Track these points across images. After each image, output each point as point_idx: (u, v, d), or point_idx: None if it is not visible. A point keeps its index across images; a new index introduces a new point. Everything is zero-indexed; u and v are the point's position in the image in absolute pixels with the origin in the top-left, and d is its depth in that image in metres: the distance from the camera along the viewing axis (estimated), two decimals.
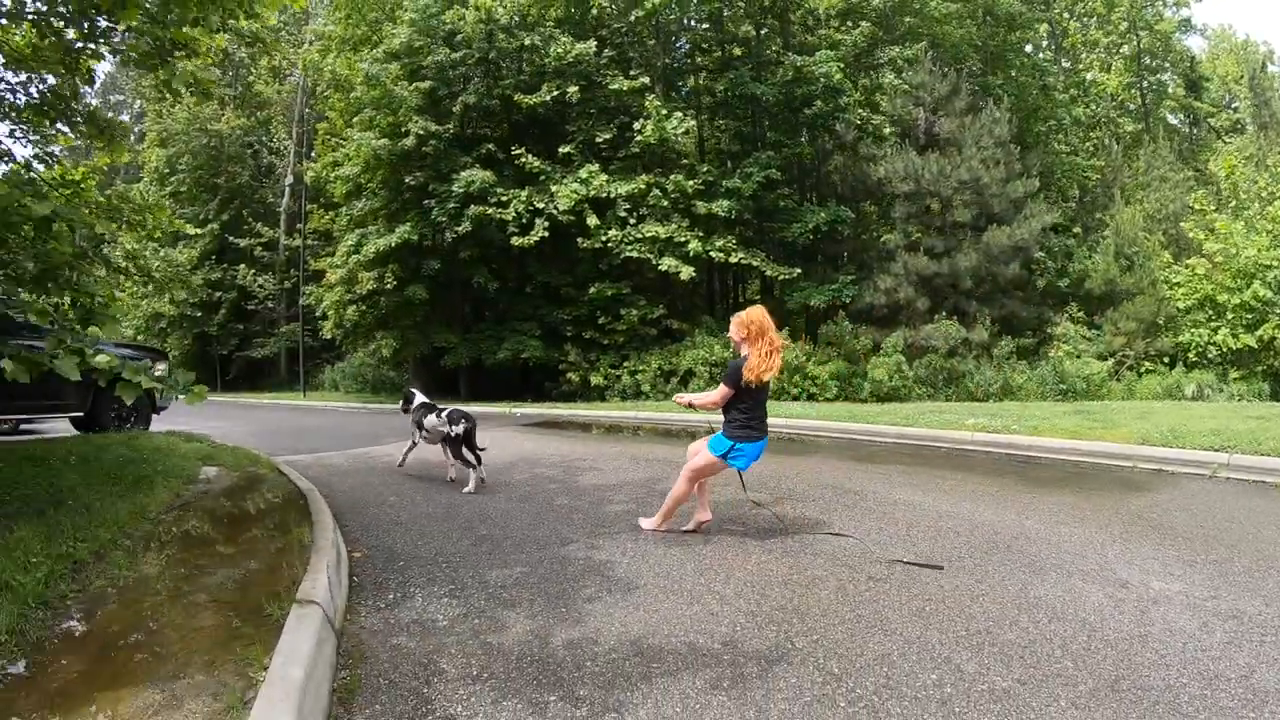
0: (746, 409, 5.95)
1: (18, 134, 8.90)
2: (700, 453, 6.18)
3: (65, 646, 3.60)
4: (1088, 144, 33.54)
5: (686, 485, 6.17)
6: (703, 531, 6.33)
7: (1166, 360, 20.16)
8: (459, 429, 8.61)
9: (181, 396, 5.22)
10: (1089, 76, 37.22)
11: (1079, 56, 39.60)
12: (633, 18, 24.95)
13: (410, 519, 7.07)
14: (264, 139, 44.22)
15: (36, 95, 8.01)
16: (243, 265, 40.30)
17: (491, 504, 7.66)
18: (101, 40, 6.94)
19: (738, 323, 6.05)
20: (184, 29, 6.63)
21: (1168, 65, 40.00)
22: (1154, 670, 3.59)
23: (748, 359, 5.84)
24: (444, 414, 8.83)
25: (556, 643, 4.08)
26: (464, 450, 8.65)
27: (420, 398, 9.46)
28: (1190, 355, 20.11)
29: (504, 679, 3.66)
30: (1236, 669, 3.59)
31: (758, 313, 6.04)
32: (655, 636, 4.13)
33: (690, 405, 6.36)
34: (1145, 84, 39.31)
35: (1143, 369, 20.06)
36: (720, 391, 5.94)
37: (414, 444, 9.54)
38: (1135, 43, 38.08)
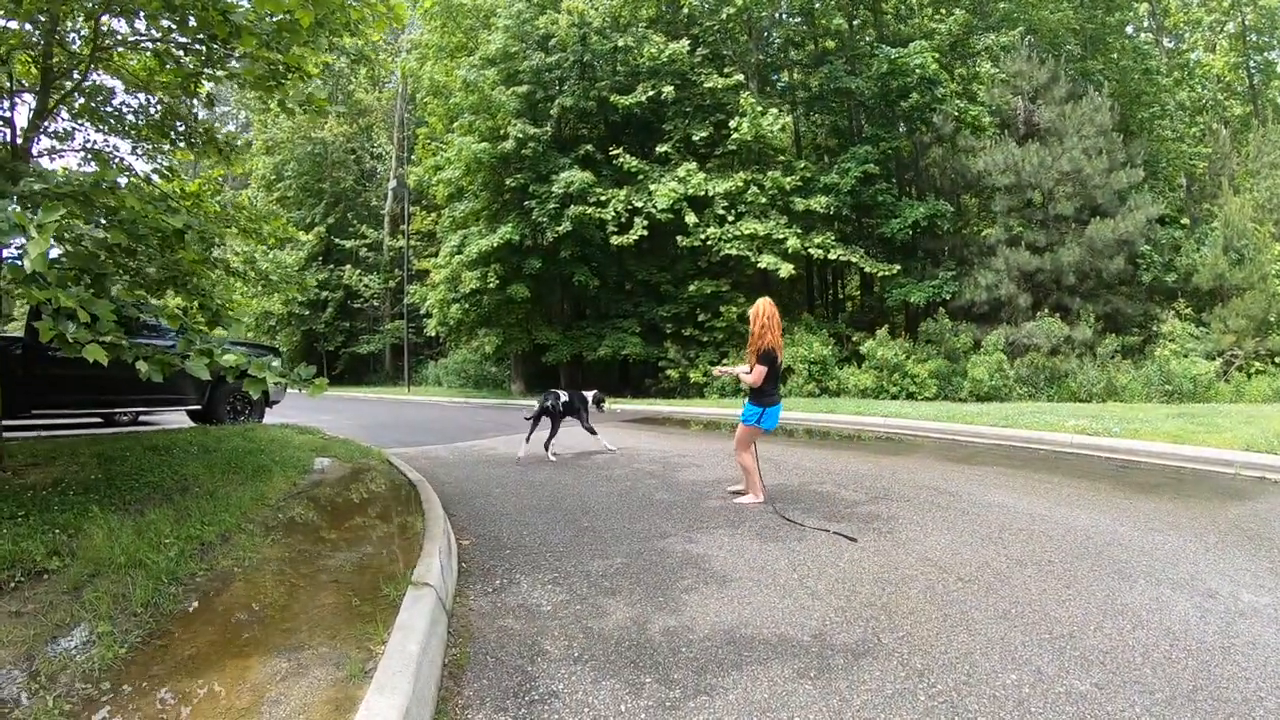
0: (772, 381, 7.40)
1: (139, 150, 9.49)
2: (738, 429, 7.66)
3: (196, 619, 3.96)
4: (1194, 130, 31.95)
5: (745, 455, 7.61)
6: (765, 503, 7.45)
7: (1278, 361, 19.21)
8: (537, 407, 10.75)
9: (304, 390, 5.68)
10: (1193, 57, 35.63)
11: (1182, 37, 37.95)
12: (724, 15, 25.03)
13: (515, 510, 7.44)
14: (366, 145, 45.90)
15: (156, 115, 8.57)
16: (348, 266, 42.10)
17: (593, 497, 7.98)
18: (218, 66, 7.45)
19: (754, 315, 7.41)
20: (294, 51, 7.05)
21: (1276, 42, 38.16)
22: (1233, 683, 3.59)
23: (770, 343, 7.25)
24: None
25: (654, 629, 4.31)
26: (537, 421, 10.77)
27: (564, 395, 11.09)
28: None
29: (603, 661, 3.91)
30: None
31: (769, 306, 7.44)
32: (748, 627, 4.34)
33: (735, 377, 7.80)
34: (1253, 64, 37.50)
35: (1252, 369, 19.16)
36: (759, 371, 7.28)
37: (586, 430, 11.33)
38: (1240, 19, 36.44)
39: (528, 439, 10.96)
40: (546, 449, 10.80)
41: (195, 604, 4.14)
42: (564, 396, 11.04)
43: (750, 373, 7.38)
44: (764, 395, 7.38)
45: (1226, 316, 20.35)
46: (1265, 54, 38.39)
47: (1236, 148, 29.19)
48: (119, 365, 5.03)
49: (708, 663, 3.88)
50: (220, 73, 7.57)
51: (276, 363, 12.58)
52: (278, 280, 11.06)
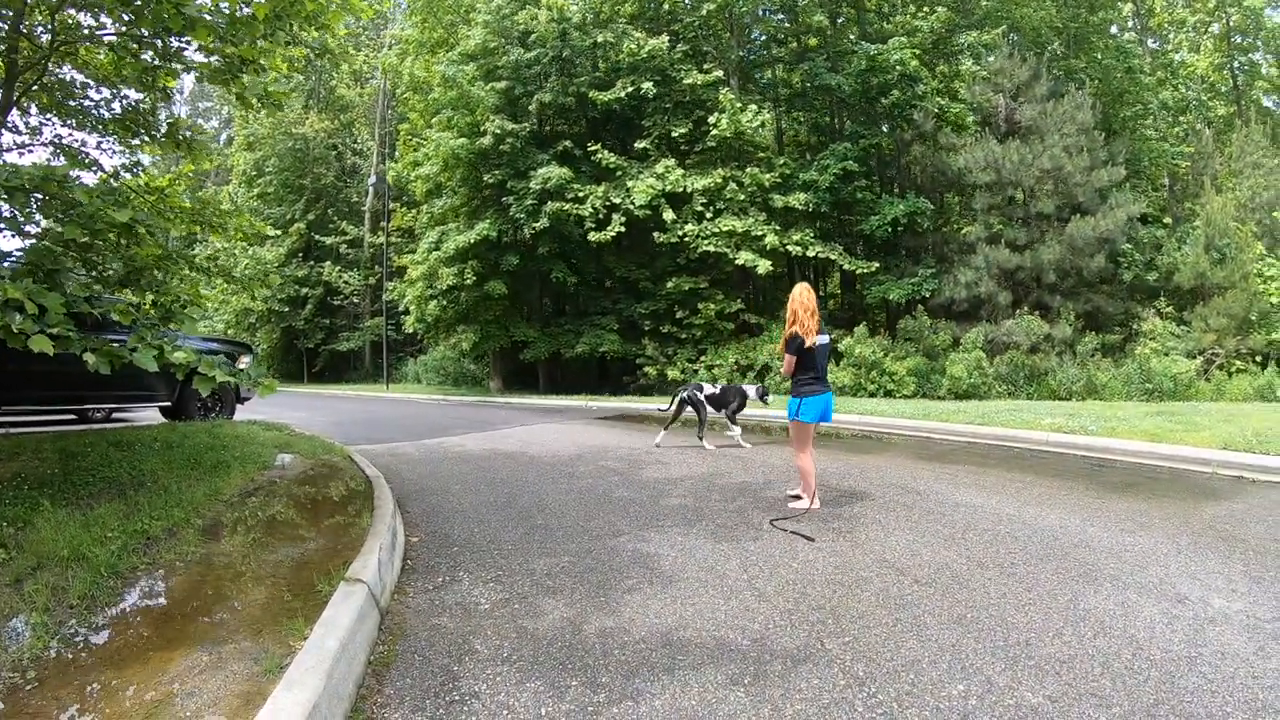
0: (808, 369, 6.99)
1: (104, 145, 9.38)
2: (790, 429, 7.24)
3: (130, 612, 4.01)
4: (1176, 129, 32.13)
5: (801, 456, 7.09)
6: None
7: (1259, 359, 19.11)
8: (675, 400, 11.44)
9: (255, 390, 5.76)
10: (1177, 58, 35.69)
11: (1166, 37, 38.07)
12: (705, 11, 24.97)
13: (470, 507, 7.33)
14: (347, 140, 45.57)
15: (120, 110, 8.48)
16: (328, 262, 41.80)
17: (551, 494, 7.87)
18: (175, 60, 7.38)
19: (788, 302, 7.11)
20: (253, 44, 6.95)
21: (1260, 44, 38.30)
22: (1197, 696, 3.38)
23: (797, 330, 6.93)
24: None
25: (589, 630, 4.19)
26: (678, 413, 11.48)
27: (709, 388, 11.53)
28: None
29: (531, 661, 3.81)
30: None
31: (799, 291, 7.11)
32: (687, 629, 4.19)
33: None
34: (1236, 64, 37.63)
35: (1233, 368, 19.11)
36: (788, 361, 7.02)
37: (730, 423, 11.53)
38: (1225, 20, 36.55)
39: (666, 428, 11.81)
40: (701, 439, 11.25)
41: (132, 597, 4.18)
42: (707, 389, 11.40)
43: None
44: (798, 385, 7.02)
45: (1208, 315, 20.29)
46: (1249, 55, 38.59)
47: (1219, 147, 29.23)
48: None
49: (639, 666, 3.76)
50: (178, 66, 7.51)
51: (246, 359, 12.59)
52: (241, 277, 11.02)
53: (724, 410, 11.35)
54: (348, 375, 43.34)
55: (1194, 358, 19.67)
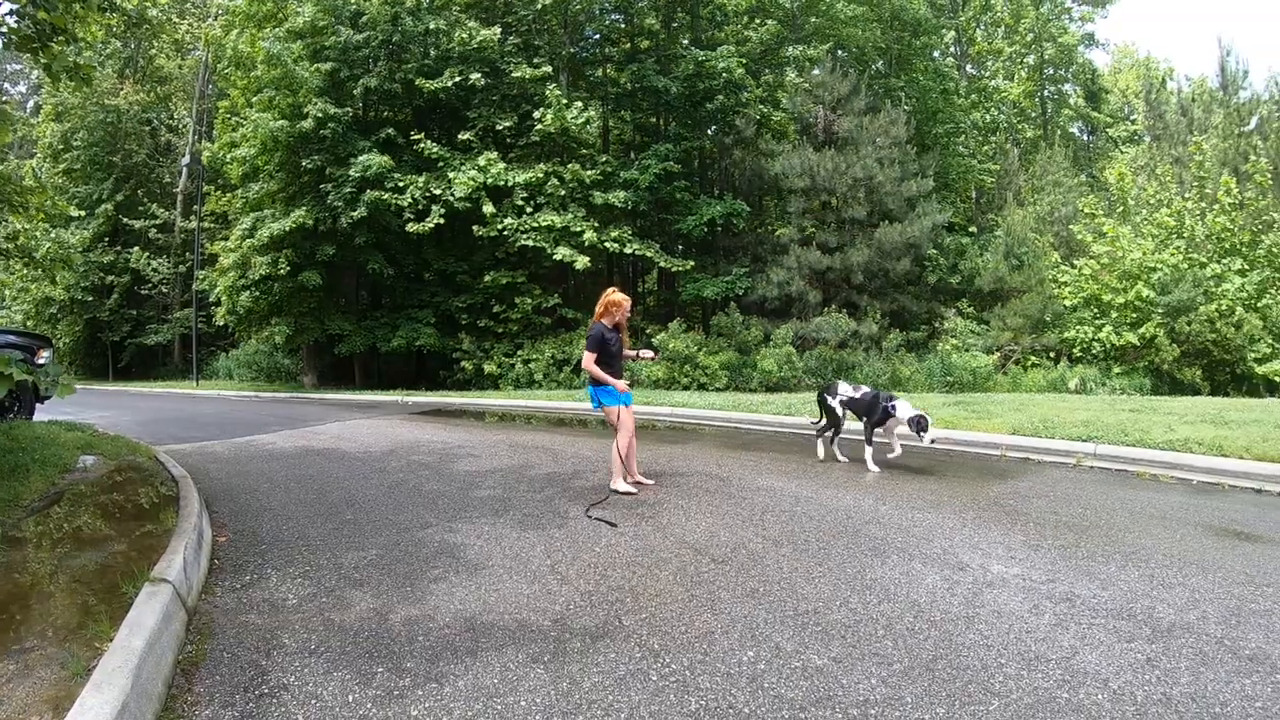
0: None
1: None
2: None
3: None
4: (986, 148, 34.65)
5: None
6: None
7: (1052, 355, 20.73)
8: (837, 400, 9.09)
9: (54, 391, 5.67)
10: (992, 84, 38.12)
11: (984, 64, 40.60)
12: (539, 5, 24.76)
13: (280, 505, 7.31)
14: (163, 116, 42.03)
15: None
16: (136, 248, 38.56)
17: (361, 490, 7.85)
18: None
19: None
20: (68, 9, 6.60)
21: (1070, 77, 41.29)
22: (974, 651, 3.67)
23: None
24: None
25: (395, 619, 4.27)
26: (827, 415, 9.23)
27: (846, 389, 9.08)
28: (1075, 351, 20.65)
29: (339, 652, 3.87)
30: (1059, 650, 3.68)
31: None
32: (490, 614, 4.32)
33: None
34: (1047, 93, 40.67)
35: (1029, 363, 20.64)
36: None
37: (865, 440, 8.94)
38: (1040, 54, 39.09)
39: (821, 436, 9.40)
40: (831, 444, 9.27)
41: None
42: (845, 392, 8.97)
43: None
44: None
45: (1005, 315, 21.80)
46: (1059, 86, 41.55)
47: (1025, 166, 31.41)
48: None
49: (442, 650, 3.87)
50: None
51: (46, 354, 11.74)
52: (41, 258, 10.32)
53: (865, 417, 8.87)
54: (156, 371, 40.36)
55: (992, 353, 21.12)
